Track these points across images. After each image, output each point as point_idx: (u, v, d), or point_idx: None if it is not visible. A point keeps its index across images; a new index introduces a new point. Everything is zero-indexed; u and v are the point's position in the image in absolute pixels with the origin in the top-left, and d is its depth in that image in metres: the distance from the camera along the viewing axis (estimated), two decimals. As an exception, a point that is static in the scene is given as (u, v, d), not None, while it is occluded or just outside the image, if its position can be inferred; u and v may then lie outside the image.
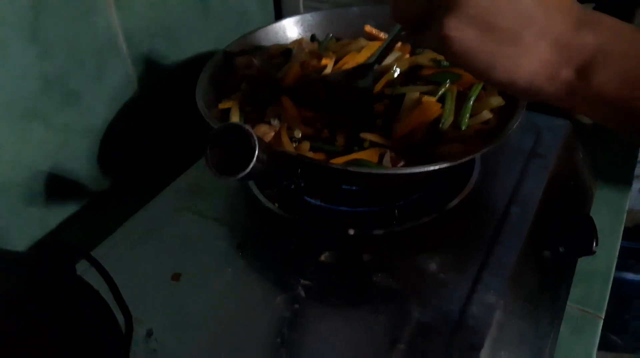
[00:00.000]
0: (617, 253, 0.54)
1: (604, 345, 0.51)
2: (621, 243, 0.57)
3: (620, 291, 0.77)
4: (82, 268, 0.33)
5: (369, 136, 0.45)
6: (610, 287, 0.51)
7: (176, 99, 0.65)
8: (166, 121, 0.66)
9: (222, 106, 0.50)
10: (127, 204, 0.54)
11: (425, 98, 0.46)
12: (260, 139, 0.34)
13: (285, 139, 0.46)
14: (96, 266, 0.28)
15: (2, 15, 0.45)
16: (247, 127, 0.34)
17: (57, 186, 0.55)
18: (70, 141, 0.55)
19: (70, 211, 0.57)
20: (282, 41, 0.60)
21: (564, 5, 0.31)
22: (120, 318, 0.27)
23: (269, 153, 0.36)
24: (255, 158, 0.34)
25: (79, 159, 0.56)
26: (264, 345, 0.39)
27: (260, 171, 0.35)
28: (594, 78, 0.29)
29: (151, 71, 0.61)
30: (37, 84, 0.50)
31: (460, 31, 0.31)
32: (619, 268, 0.59)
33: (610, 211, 0.58)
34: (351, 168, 0.41)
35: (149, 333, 0.40)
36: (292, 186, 0.42)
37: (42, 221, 0.55)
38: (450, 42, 0.31)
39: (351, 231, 0.46)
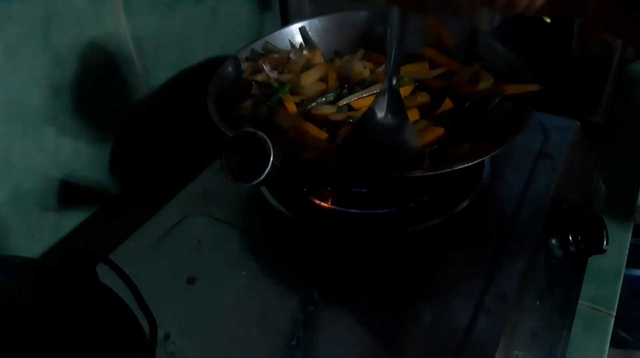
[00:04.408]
0: (627, 252, 0.55)
1: (613, 342, 0.51)
2: (631, 240, 0.57)
3: (630, 288, 0.77)
4: (99, 274, 0.34)
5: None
6: (620, 285, 0.52)
7: (186, 104, 0.66)
8: (177, 127, 0.66)
9: (234, 114, 0.51)
10: (140, 210, 0.55)
11: None
12: (274, 146, 0.35)
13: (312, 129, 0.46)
14: (117, 272, 0.29)
15: (15, 25, 0.46)
16: (262, 134, 0.35)
17: (69, 193, 0.56)
18: (82, 148, 0.55)
19: (83, 217, 0.58)
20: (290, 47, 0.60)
21: None
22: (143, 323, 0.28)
23: (283, 159, 0.36)
24: (270, 164, 0.34)
25: (91, 165, 0.57)
26: (280, 347, 0.39)
27: (274, 176, 0.36)
28: None
29: (161, 78, 0.62)
30: (48, 91, 0.50)
31: None
32: (629, 265, 0.59)
33: (620, 209, 0.58)
34: (361, 170, 0.42)
35: (166, 337, 0.40)
36: (305, 189, 0.43)
37: (55, 227, 0.55)
38: None
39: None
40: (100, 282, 0.29)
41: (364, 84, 0.52)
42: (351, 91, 0.51)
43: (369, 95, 0.50)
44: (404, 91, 0.51)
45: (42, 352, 0.26)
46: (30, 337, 0.26)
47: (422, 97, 0.50)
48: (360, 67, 0.54)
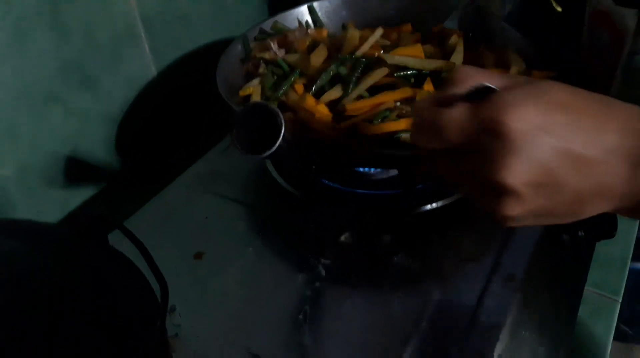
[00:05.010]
0: (634, 238, 0.55)
1: (614, 335, 0.51)
2: (637, 233, 0.57)
3: (632, 281, 0.77)
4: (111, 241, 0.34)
5: None
6: (627, 272, 0.52)
7: (193, 84, 0.66)
8: (183, 106, 0.66)
9: (242, 92, 0.50)
10: (145, 187, 0.55)
11: None
12: (286, 119, 0.35)
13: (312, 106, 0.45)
14: (129, 237, 0.29)
15: (24, 1, 0.45)
16: (273, 106, 0.35)
17: (75, 170, 0.56)
18: (88, 125, 0.55)
19: (89, 194, 0.58)
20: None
21: (616, 147, 0.28)
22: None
23: (293, 133, 0.36)
24: (281, 137, 0.34)
25: (96, 143, 0.57)
26: (287, 322, 0.39)
27: (285, 150, 0.35)
28: None
29: (168, 57, 0.62)
30: (55, 69, 0.50)
31: (518, 221, 0.32)
32: (634, 258, 0.59)
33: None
34: (374, 150, 0.42)
35: (172, 309, 0.40)
36: (313, 167, 0.43)
37: (61, 203, 0.55)
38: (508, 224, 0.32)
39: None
40: (110, 246, 0.28)
41: (354, 59, 0.50)
42: (344, 62, 0.49)
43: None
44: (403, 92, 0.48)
45: (55, 314, 0.26)
46: (42, 301, 0.26)
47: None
48: (355, 33, 0.53)
